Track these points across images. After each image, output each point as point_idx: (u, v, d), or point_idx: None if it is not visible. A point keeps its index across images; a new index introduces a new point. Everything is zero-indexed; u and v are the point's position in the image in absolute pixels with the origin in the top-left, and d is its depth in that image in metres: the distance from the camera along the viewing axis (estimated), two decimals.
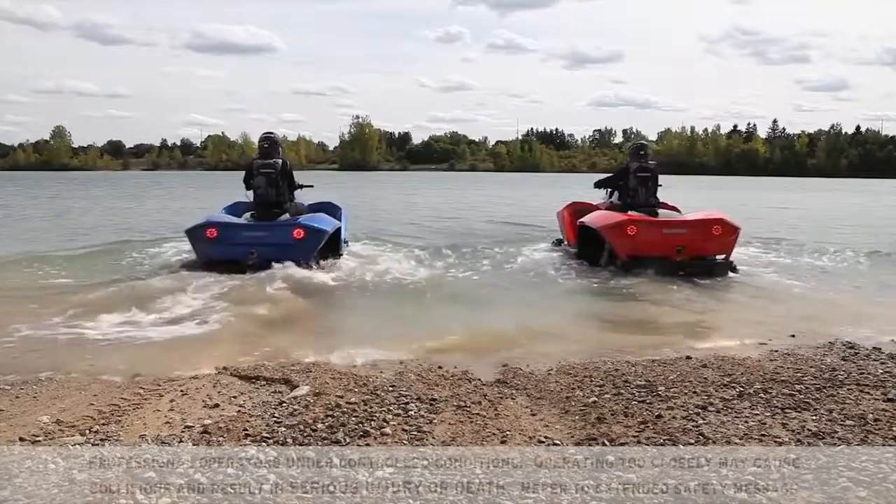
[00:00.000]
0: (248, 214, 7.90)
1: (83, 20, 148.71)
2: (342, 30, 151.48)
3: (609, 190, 8.50)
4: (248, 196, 7.89)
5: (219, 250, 7.11)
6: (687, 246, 7.08)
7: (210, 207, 10.06)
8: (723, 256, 7.34)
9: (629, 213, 7.68)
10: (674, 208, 8.35)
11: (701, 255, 7.24)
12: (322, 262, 7.45)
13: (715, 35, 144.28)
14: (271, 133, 8.08)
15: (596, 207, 8.44)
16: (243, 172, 7.97)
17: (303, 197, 8.32)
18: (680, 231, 7.22)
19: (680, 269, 7.08)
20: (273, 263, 7.00)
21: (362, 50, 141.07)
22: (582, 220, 8.00)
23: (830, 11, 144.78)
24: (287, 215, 7.70)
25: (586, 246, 7.95)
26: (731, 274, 7.25)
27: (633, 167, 8.08)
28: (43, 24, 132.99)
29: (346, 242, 8.83)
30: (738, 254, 9.13)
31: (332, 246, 7.91)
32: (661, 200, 8.20)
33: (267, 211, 7.68)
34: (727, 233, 7.20)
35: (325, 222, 7.67)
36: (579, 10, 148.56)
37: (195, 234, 7.24)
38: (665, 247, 7.10)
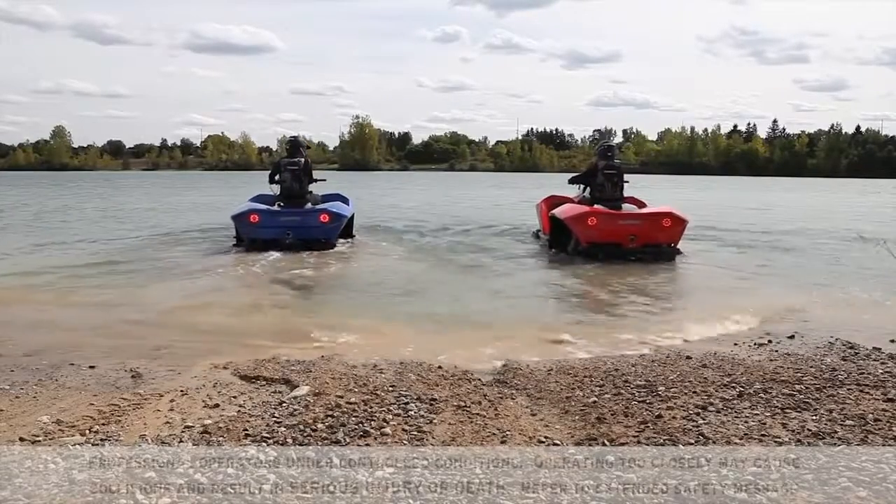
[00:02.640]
0: (276, 204, 9.20)
1: (81, 20, 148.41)
2: (341, 30, 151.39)
3: (582, 186, 9.22)
4: (273, 189, 9.25)
5: (261, 232, 8.58)
6: (639, 235, 8.14)
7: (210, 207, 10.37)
8: (673, 245, 8.32)
9: (594, 206, 8.46)
10: (640, 203, 9.18)
11: (653, 243, 8.19)
12: (342, 241, 9.08)
13: (713, 35, 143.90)
14: (296, 136, 9.73)
15: (570, 200, 9.32)
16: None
17: (316, 189, 9.62)
18: (634, 222, 8.30)
19: (632, 254, 8.11)
20: (284, 253, 8.27)
21: (361, 50, 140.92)
22: (552, 211, 8.91)
23: (828, 11, 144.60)
24: (309, 204, 9.08)
25: (557, 234, 8.86)
26: (676, 258, 8.28)
27: (600, 165, 8.83)
28: (41, 24, 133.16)
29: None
30: (735, 255, 9.28)
31: (347, 229, 9.58)
32: (628, 196, 9.00)
33: (292, 200, 9.01)
34: (675, 224, 8.24)
35: (345, 209, 9.36)
36: (578, 10, 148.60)
37: (241, 218, 8.72)
38: (620, 235, 8.13)
